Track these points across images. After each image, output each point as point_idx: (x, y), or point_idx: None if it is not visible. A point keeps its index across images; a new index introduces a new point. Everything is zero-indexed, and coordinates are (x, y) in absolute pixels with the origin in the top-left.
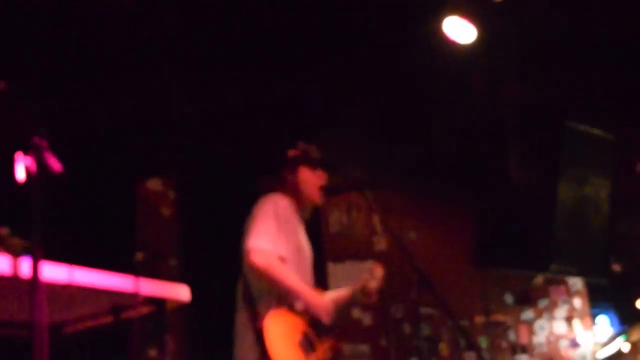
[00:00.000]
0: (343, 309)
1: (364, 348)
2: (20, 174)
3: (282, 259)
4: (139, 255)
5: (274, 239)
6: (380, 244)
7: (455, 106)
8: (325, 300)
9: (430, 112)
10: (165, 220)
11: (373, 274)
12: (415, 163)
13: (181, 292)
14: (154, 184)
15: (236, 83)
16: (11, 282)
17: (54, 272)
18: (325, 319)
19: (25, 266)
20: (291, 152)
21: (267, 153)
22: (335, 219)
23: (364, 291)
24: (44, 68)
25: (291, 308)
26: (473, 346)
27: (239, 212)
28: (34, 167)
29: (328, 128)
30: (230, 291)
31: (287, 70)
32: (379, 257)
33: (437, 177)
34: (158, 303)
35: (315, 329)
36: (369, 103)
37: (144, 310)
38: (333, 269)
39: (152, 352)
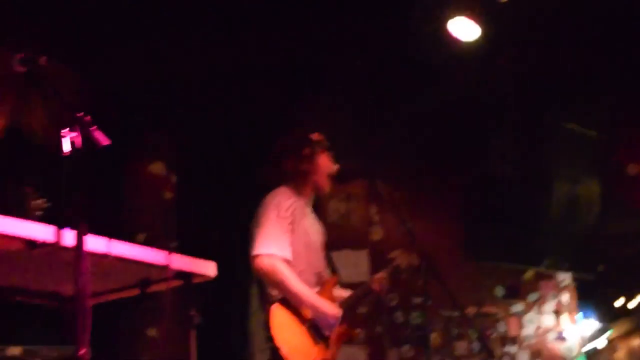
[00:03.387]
0: (349, 308)
1: (360, 334)
2: (65, 147)
3: (288, 262)
4: (141, 237)
5: (278, 242)
6: (377, 234)
7: (449, 97)
8: (333, 309)
9: (425, 102)
10: (166, 203)
11: (395, 263)
12: (407, 154)
13: (209, 268)
14: (156, 167)
15: (243, 65)
16: (54, 250)
17: (93, 242)
18: (328, 329)
19: (68, 236)
20: (315, 136)
21: (273, 139)
22: (333, 208)
23: (367, 293)
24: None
25: None
26: (486, 347)
27: (242, 195)
28: (79, 140)
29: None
30: (229, 276)
31: (282, 53)
32: (375, 247)
33: (430, 169)
34: (186, 277)
35: None
36: (361, 93)
37: (173, 283)
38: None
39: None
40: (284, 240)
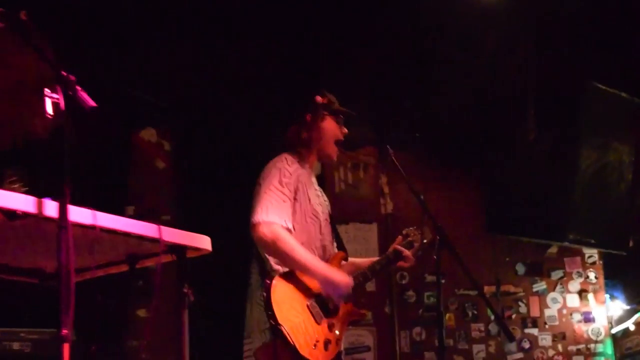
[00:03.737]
0: (370, 278)
1: (367, 315)
2: (48, 109)
3: (290, 231)
4: (130, 210)
5: (280, 211)
6: (388, 206)
7: (469, 64)
8: (344, 281)
9: (442, 70)
10: (158, 173)
11: (410, 241)
12: (423, 122)
13: (204, 242)
14: (148, 134)
15: (239, 25)
16: (35, 221)
17: (78, 213)
18: (338, 298)
19: (50, 206)
20: (319, 98)
21: (276, 101)
22: (340, 178)
23: (399, 257)
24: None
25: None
26: (505, 329)
27: (239, 164)
28: (62, 102)
29: (333, 82)
30: (228, 251)
31: (294, 15)
32: (385, 220)
33: (447, 136)
34: (180, 252)
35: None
36: (375, 59)
37: (165, 258)
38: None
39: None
40: (286, 208)
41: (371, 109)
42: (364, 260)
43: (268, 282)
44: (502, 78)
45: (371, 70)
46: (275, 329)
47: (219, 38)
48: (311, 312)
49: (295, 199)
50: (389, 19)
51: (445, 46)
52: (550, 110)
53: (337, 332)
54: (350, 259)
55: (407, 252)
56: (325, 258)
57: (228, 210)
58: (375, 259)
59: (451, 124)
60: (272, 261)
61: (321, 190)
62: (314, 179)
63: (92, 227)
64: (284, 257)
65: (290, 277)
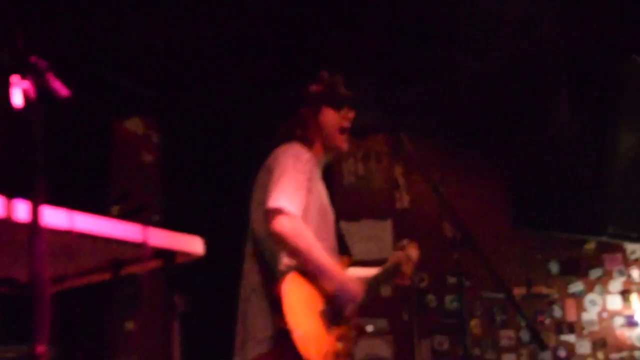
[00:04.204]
0: (372, 290)
1: (382, 323)
2: (16, 99)
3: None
4: (114, 210)
5: (297, 200)
6: (403, 200)
7: (492, 38)
8: (357, 289)
9: (461, 47)
10: (146, 168)
11: (408, 254)
12: (443, 107)
13: (195, 245)
14: (133, 125)
15: (233, 4)
16: (5, 226)
17: (52, 216)
18: (351, 308)
19: (21, 208)
20: (314, 87)
21: (274, 89)
22: (350, 169)
23: (398, 271)
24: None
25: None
26: (538, 336)
27: (235, 159)
28: (33, 91)
29: (340, 66)
30: (224, 251)
31: None
32: (401, 216)
33: (469, 123)
34: (168, 257)
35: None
36: (390, 39)
37: (152, 264)
38: (346, 228)
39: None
40: (301, 198)
41: (382, 90)
42: (362, 271)
43: (277, 287)
44: (529, 54)
45: (382, 47)
46: (284, 335)
47: (212, 17)
48: (323, 320)
49: (309, 189)
50: None
51: (465, 19)
52: (584, 89)
53: (346, 344)
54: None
55: (406, 268)
56: None
57: (224, 207)
58: (374, 272)
59: (473, 106)
60: (284, 257)
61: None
62: (322, 180)
63: (69, 232)
64: (301, 255)
65: (304, 277)
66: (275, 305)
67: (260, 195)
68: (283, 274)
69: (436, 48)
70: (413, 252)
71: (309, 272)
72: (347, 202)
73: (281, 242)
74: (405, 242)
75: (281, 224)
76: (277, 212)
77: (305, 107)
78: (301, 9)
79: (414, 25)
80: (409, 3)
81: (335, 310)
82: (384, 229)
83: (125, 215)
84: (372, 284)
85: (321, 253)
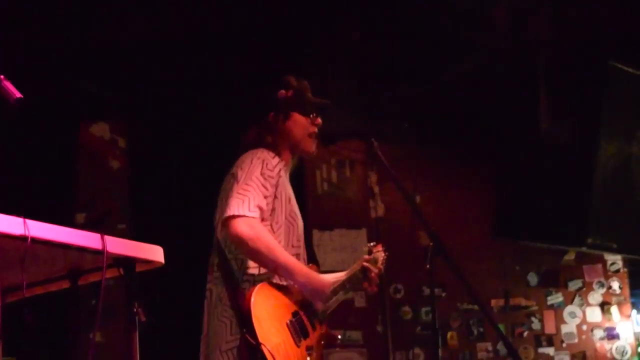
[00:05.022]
0: (337, 295)
1: (356, 335)
2: None
3: (272, 231)
4: (80, 217)
5: (259, 205)
6: (378, 209)
7: (474, 40)
8: (324, 281)
9: (443, 53)
10: (113, 175)
11: (375, 257)
12: (422, 112)
13: (155, 253)
14: (99, 130)
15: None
16: None
17: (5, 222)
18: (320, 305)
19: None
20: (282, 93)
21: (243, 94)
22: (323, 177)
23: (365, 276)
24: None
25: (281, 283)
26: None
27: (204, 165)
28: None
29: (315, 67)
30: (191, 261)
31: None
32: (376, 225)
33: (448, 129)
34: (128, 265)
35: (308, 312)
36: (368, 39)
37: (111, 273)
38: (319, 238)
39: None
40: (261, 202)
41: (359, 93)
42: (332, 275)
43: (247, 290)
44: (510, 59)
45: (355, 47)
46: (251, 348)
47: (181, 13)
48: (290, 332)
49: (275, 195)
50: None
51: (446, 21)
52: (565, 96)
53: (316, 355)
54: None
55: (374, 272)
56: None
57: (193, 215)
58: (342, 275)
59: (451, 112)
60: (250, 266)
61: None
62: (290, 186)
63: (24, 238)
64: (263, 256)
65: (270, 288)
66: (242, 317)
67: (223, 202)
68: (249, 284)
69: (415, 49)
70: (379, 255)
71: (272, 272)
72: (321, 210)
73: (241, 245)
74: (371, 244)
75: (239, 227)
76: (234, 218)
77: (274, 113)
78: (279, 10)
79: (392, 25)
80: (386, 3)
81: (303, 322)
82: (358, 238)
83: (91, 223)
84: (337, 288)
85: (282, 252)
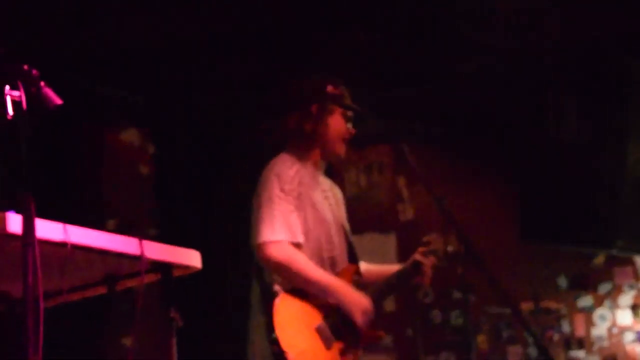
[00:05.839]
0: (388, 295)
1: (386, 339)
2: (8, 109)
3: (299, 245)
4: (111, 224)
5: (287, 224)
6: (407, 213)
7: (495, 38)
8: (363, 298)
9: (464, 49)
10: (142, 181)
11: (430, 248)
12: (444, 114)
13: (192, 258)
14: (128, 136)
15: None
16: None
17: (46, 228)
18: (360, 319)
19: (14, 220)
20: (330, 88)
21: (273, 94)
22: (352, 181)
23: (418, 270)
24: None
25: None
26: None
27: (235, 169)
28: (24, 100)
29: (331, 70)
30: (225, 267)
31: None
32: (405, 229)
33: (472, 131)
34: (165, 270)
35: (344, 316)
36: (381, 39)
37: (148, 278)
38: None
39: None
40: (294, 219)
41: (381, 95)
42: (380, 270)
43: (271, 301)
44: (533, 56)
45: (379, 53)
46: (279, 356)
47: (206, 19)
48: (320, 337)
49: (298, 206)
50: None
51: (462, 17)
52: (591, 95)
53: (351, 357)
54: (365, 268)
55: (427, 265)
56: (335, 272)
57: (223, 220)
58: (394, 269)
59: (477, 113)
60: (275, 279)
61: (333, 189)
62: (321, 179)
63: (63, 244)
64: (297, 279)
65: (296, 295)
66: (268, 323)
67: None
68: (275, 292)
69: (433, 48)
70: (437, 244)
71: (309, 292)
72: (349, 214)
73: (276, 271)
74: (431, 236)
75: (270, 254)
76: (265, 244)
77: (318, 105)
78: (293, 14)
79: (408, 25)
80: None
81: (335, 324)
82: (388, 242)
83: (123, 229)
84: (384, 289)
85: (316, 272)
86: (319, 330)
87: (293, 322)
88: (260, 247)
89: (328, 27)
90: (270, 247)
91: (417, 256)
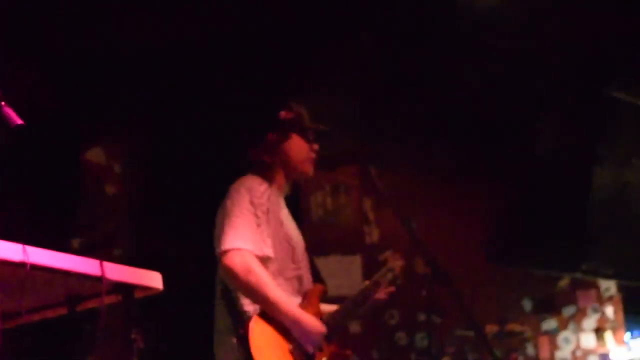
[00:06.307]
0: (350, 316)
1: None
2: None
3: (266, 259)
4: (75, 243)
5: (254, 236)
6: (373, 235)
7: (474, 67)
8: (315, 326)
9: (443, 72)
10: (108, 200)
11: (390, 268)
12: (418, 134)
13: (153, 279)
14: (95, 155)
15: (203, 26)
16: None
17: (5, 248)
18: (310, 347)
19: None
20: (283, 114)
21: (242, 116)
22: (318, 203)
23: (377, 287)
24: None
25: None
26: None
27: (203, 189)
28: None
29: (309, 87)
30: (190, 290)
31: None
32: (371, 251)
33: (445, 152)
34: (126, 291)
35: None
36: (360, 56)
37: (109, 299)
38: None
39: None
40: (260, 232)
41: (352, 115)
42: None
43: (245, 324)
44: (508, 84)
45: (352, 70)
46: None
47: (173, 26)
48: (294, 358)
49: (268, 221)
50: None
51: (445, 40)
52: (562, 122)
53: None
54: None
55: (384, 283)
56: (302, 291)
57: (192, 241)
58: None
59: (447, 139)
60: (244, 300)
61: (290, 215)
62: (282, 202)
63: (22, 265)
64: (253, 291)
65: (268, 317)
66: (243, 347)
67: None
68: (250, 313)
69: (408, 67)
70: (397, 263)
71: (261, 307)
72: (315, 236)
73: (233, 279)
74: (387, 253)
75: (232, 262)
76: (228, 252)
77: (273, 133)
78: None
79: (388, 41)
80: (385, 17)
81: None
82: (353, 264)
83: (87, 248)
84: (336, 318)
85: (274, 289)
86: (292, 352)
87: (268, 343)
88: (223, 254)
89: (328, 27)
90: (234, 255)
91: (377, 278)
